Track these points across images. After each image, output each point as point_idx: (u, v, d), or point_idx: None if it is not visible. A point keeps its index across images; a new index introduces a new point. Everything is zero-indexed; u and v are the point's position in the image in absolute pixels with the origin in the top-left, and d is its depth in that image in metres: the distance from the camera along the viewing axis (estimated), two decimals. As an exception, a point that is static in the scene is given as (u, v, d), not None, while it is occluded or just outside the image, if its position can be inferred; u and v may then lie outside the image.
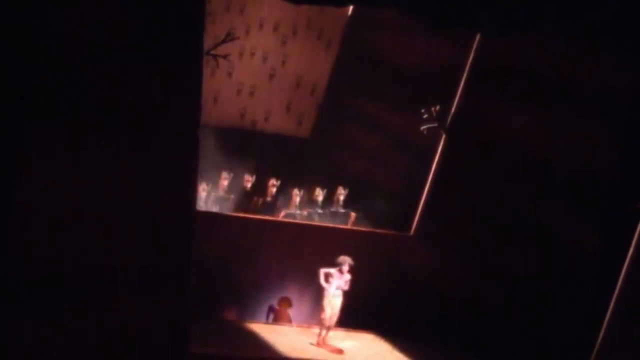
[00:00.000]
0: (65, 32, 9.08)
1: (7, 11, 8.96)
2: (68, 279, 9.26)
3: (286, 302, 14.73)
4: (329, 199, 16.30)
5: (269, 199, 16.26)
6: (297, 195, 16.11)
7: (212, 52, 13.91)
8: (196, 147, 9.83)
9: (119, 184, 9.35)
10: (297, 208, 16.04)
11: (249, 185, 16.20)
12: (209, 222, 13.20)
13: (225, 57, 14.37)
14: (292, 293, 14.76)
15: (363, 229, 15.51)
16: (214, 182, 15.83)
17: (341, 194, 16.34)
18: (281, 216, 15.83)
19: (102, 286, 9.38)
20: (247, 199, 16.06)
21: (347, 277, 13.45)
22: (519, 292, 13.56)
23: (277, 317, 14.68)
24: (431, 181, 15.41)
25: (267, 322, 14.49)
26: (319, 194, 16.25)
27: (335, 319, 13.55)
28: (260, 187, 16.24)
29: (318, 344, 13.58)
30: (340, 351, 13.52)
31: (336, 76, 18.87)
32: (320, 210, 16.21)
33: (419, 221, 15.41)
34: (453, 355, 14.05)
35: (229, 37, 14.67)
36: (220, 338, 13.23)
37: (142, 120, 9.46)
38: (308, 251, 14.59)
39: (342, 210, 16.32)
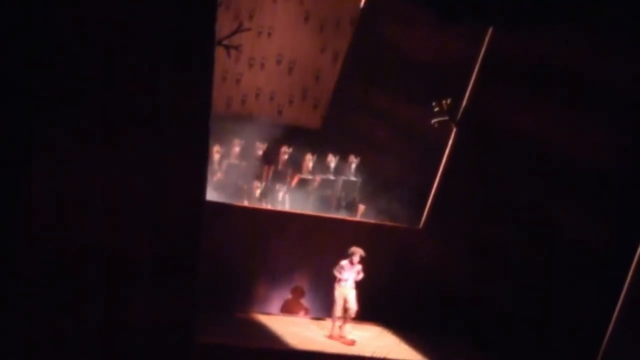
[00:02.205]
0: (70, 28, 9.08)
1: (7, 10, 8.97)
2: (75, 271, 9.28)
3: (299, 291, 14.71)
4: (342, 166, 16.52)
5: (280, 167, 16.35)
6: (309, 160, 16.25)
7: (223, 42, 13.96)
8: (206, 139, 9.83)
9: (127, 178, 9.36)
10: (309, 173, 16.15)
11: (260, 152, 16.26)
12: (218, 213, 13.19)
13: (236, 47, 14.45)
14: (302, 284, 14.76)
15: (372, 221, 15.50)
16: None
17: (353, 161, 16.52)
18: (295, 182, 15.88)
19: (110, 279, 9.41)
20: (259, 167, 16.16)
21: (358, 267, 13.49)
22: (527, 288, 13.56)
23: (289, 306, 14.65)
24: (441, 175, 15.39)
25: (279, 314, 14.53)
26: (332, 160, 16.43)
27: (352, 310, 13.54)
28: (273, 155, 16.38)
29: (330, 336, 13.61)
30: (352, 343, 13.54)
31: (348, 68, 18.85)
32: (332, 177, 16.34)
33: (428, 215, 15.39)
34: (459, 348, 14.05)
35: (241, 28, 14.77)
36: (230, 329, 13.26)
37: (151, 112, 9.46)
38: (317, 243, 14.58)
39: (353, 179, 16.41)
